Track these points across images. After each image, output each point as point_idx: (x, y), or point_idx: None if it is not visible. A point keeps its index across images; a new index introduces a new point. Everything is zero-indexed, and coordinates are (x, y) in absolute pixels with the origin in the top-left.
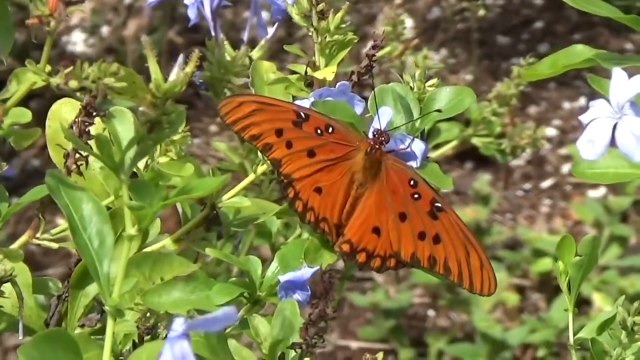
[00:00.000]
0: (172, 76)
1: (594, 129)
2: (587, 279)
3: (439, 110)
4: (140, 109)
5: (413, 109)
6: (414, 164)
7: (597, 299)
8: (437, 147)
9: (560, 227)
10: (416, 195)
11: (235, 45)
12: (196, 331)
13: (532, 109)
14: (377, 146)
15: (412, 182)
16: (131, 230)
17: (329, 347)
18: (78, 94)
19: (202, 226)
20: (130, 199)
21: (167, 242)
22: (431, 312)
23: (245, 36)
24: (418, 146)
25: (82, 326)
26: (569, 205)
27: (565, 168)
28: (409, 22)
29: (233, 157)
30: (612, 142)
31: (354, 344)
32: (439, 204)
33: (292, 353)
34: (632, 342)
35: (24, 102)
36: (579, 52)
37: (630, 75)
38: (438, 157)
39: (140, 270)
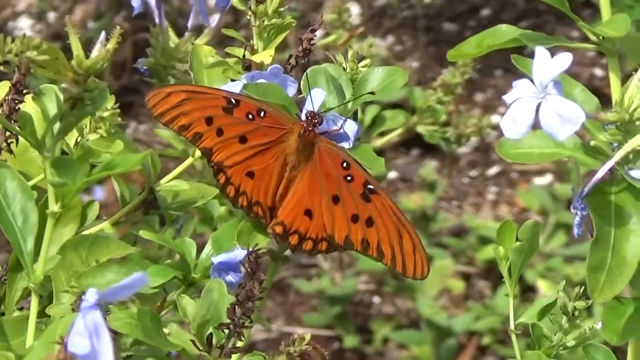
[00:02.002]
0: (94, 52)
1: (517, 109)
2: (532, 266)
3: (372, 92)
4: (63, 85)
5: (346, 90)
6: (346, 145)
7: (542, 286)
8: (382, 134)
9: (506, 214)
10: (349, 178)
11: (182, 33)
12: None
13: (479, 96)
14: (309, 128)
15: (344, 164)
16: (54, 206)
17: (275, 334)
18: (1, 68)
19: (140, 209)
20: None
21: (105, 226)
22: (376, 299)
23: (189, 23)
24: (350, 127)
25: (21, 309)
26: (515, 193)
27: None
28: (355, 9)
29: (176, 144)
30: (537, 123)
31: (300, 330)
32: (371, 186)
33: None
34: (572, 328)
35: None
36: (505, 32)
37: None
38: (383, 144)
39: (77, 252)
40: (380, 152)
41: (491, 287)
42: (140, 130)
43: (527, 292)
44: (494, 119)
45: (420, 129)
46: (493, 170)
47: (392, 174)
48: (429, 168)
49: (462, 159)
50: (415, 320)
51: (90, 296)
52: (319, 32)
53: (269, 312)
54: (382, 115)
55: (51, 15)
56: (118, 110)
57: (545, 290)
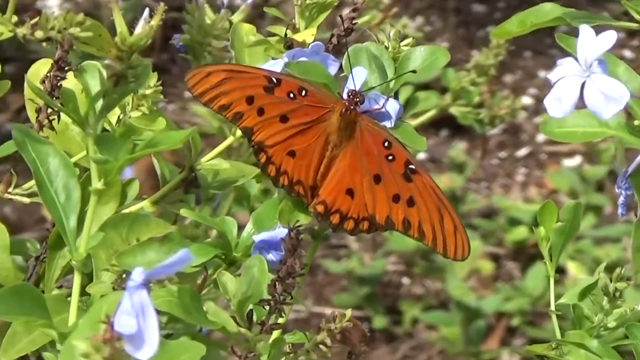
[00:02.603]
0: (138, 29)
1: (562, 87)
2: None
3: (413, 71)
4: (106, 62)
5: (387, 69)
6: (388, 124)
7: (572, 267)
8: (415, 116)
9: (535, 195)
10: (390, 157)
11: (216, 9)
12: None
13: (508, 78)
14: (351, 107)
15: (386, 144)
16: (97, 184)
17: (304, 314)
18: (45, 44)
19: (180, 188)
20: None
21: (145, 204)
22: (406, 280)
23: (225, 0)
24: (392, 106)
25: (60, 287)
26: (544, 174)
27: (541, 137)
28: None
29: (212, 121)
30: (582, 102)
31: (329, 311)
32: (413, 166)
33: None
34: (613, 308)
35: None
36: (548, 11)
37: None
38: (415, 126)
39: (117, 231)
40: None
41: (520, 269)
42: (169, 109)
43: (557, 273)
44: (524, 100)
45: (454, 110)
46: (522, 152)
47: (422, 155)
48: (458, 149)
49: (492, 140)
50: (445, 301)
51: (137, 275)
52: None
53: (299, 293)
54: (415, 96)
55: None
56: (160, 88)
57: (575, 272)
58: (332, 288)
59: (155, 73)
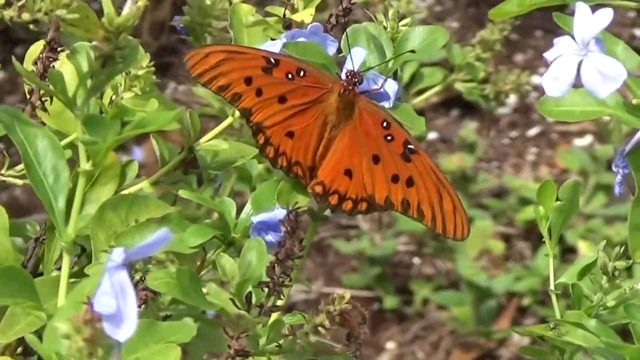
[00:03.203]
0: (125, 10)
1: (558, 66)
2: (572, 227)
3: (412, 51)
4: (93, 43)
5: (386, 49)
6: (386, 104)
7: (583, 247)
8: (421, 92)
9: (546, 175)
10: (389, 137)
11: None
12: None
13: (519, 57)
14: (350, 87)
15: (385, 124)
16: (86, 165)
17: (314, 295)
18: (32, 26)
19: (179, 169)
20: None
21: (144, 185)
22: (416, 260)
23: None
24: (391, 86)
25: (59, 269)
26: (555, 154)
27: None
28: None
29: (213, 102)
30: (580, 80)
31: (339, 291)
32: (411, 146)
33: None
34: (613, 288)
35: (9, 48)
36: None
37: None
38: (422, 102)
39: (116, 212)
40: (419, 112)
41: (531, 248)
42: (179, 90)
43: (567, 253)
44: (534, 79)
45: (459, 86)
46: (533, 131)
47: (432, 135)
48: (469, 129)
49: (502, 120)
50: (455, 281)
51: (117, 256)
52: None
53: (308, 273)
54: (420, 72)
55: None
56: (153, 69)
57: (586, 251)
58: (342, 268)
59: (148, 54)
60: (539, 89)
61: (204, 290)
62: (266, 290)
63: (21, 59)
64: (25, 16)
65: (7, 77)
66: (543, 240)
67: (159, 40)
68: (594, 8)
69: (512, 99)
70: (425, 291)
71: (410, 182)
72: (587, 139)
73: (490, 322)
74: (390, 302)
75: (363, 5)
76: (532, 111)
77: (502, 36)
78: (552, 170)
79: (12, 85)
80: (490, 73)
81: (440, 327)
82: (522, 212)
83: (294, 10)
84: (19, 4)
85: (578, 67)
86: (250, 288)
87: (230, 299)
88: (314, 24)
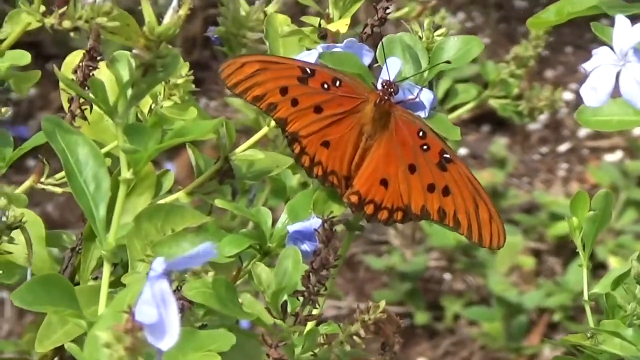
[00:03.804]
0: (166, 19)
1: (597, 77)
2: (602, 242)
3: (447, 61)
4: (134, 51)
5: (421, 59)
6: (422, 114)
7: (613, 262)
8: (454, 108)
9: (576, 191)
10: (425, 147)
11: (251, 1)
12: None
13: (549, 73)
14: (386, 97)
15: (421, 133)
16: (127, 173)
17: (345, 310)
18: (72, 34)
19: (215, 179)
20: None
21: (180, 195)
22: (447, 276)
23: None
24: (426, 96)
25: (96, 279)
26: (586, 169)
27: (582, 132)
28: None
29: (248, 112)
30: (618, 91)
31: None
32: (447, 155)
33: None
34: None
35: (41, 64)
36: (584, 0)
37: (634, 23)
38: (456, 118)
39: (152, 222)
40: None
41: (562, 264)
42: (211, 106)
43: (598, 268)
44: (565, 95)
45: (493, 102)
46: (564, 147)
47: (463, 150)
48: (500, 144)
49: (533, 136)
50: (486, 296)
51: (158, 265)
52: (392, 6)
53: (339, 289)
54: (455, 88)
55: None
56: (192, 77)
57: (617, 266)
58: (373, 284)
59: (187, 63)
60: (569, 105)
61: (239, 300)
62: (301, 299)
63: (51, 75)
64: (66, 24)
65: (39, 93)
66: (573, 255)
67: (191, 55)
68: (633, 19)
69: (543, 115)
70: (456, 307)
71: (446, 191)
72: (618, 155)
73: (521, 337)
74: (421, 317)
75: (396, 19)
76: (563, 127)
77: (536, 52)
78: (582, 185)
79: (43, 101)
80: (524, 89)
81: (471, 342)
82: (552, 227)
83: (330, 20)
84: (60, 11)
85: (616, 78)
86: (285, 297)
87: (266, 307)
88: (349, 38)
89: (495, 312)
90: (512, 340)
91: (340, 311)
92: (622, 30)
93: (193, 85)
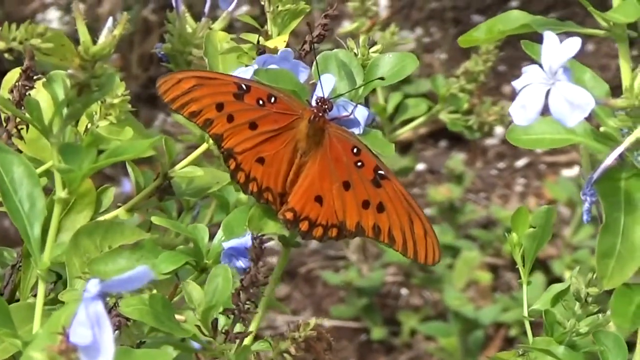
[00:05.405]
0: (101, 39)
1: (526, 95)
2: (559, 257)
3: (382, 78)
4: (69, 71)
5: (356, 76)
6: (357, 130)
7: (569, 278)
8: (405, 123)
9: (533, 206)
10: (359, 163)
11: (197, 18)
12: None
13: (507, 88)
14: (320, 114)
15: (355, 150)
16: (62, 193)
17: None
18: (6, 55)
19: (154, 196)
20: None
21: (120, 212)
22: (404, 291)
23: (206, 9)
24: (361, 113)
25: (36, 295)
26: (543, 185)
27: None
28: (383, 1)
29: (192, 128)
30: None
31: (327, 323)
32: (382, 172)
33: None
34: (585, 314)
35: None
36: (515, 18)
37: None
38: (409, 133)
39: (91, 239)
40: (407, 143)
41: (518, 279)
42: (169, 122)
43: (554, 283)
44: None
45: (443, 117)
46: (521, 162)
47: (420, 166)
48: (457, 160)
49: (490, 151)
50: (443, 312)
51: (92, 287)
52: (345, 21)
53: (296, 304)
54: (405, 103)
55: (80, 7)
56: (128, 97)
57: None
58: (330, 299)
59: (123, 82)
60: None
61: (182, 317)
62: (232, 317)
63: None
64: (0, 45)
65: None
66: (531, 271)
67: (148, 71)
68: (562, 37)
69: (500, 130)
70: (412, 322)
71: (381, 208)
72: (575, 170)
73: (478, 352)
74: (378, 333)
75: (348, 35)
76: (511, 143)
77: (487, 67)
78: (539, 201)
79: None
80: (475, 104)
81: (428, 357)
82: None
83: (268, 37)
84: None
85: (546, 96)
86: (218, 315)
87: (197, 325)
88: (285, 49)
89: (451, 327)
90: (468, 356)
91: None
92: (551, 48)
93: (129, 105)
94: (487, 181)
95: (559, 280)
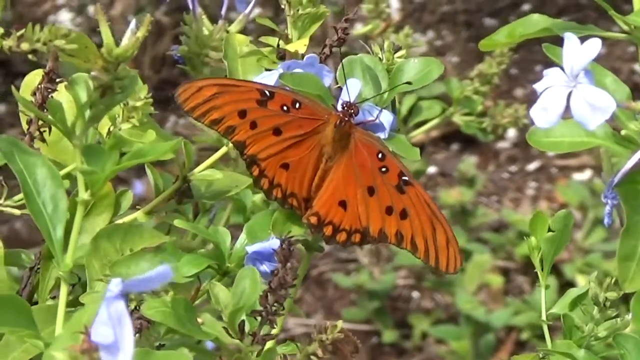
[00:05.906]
0: (124, 41)
1: (548, 97)
2: (571, 261)
3: (408, 83)
4: (92, 73)
5: (382, 80)
6: (382, 135)
7: (581, 281)
8: (419, 125)
9: (545, 209)
10: (384, 169)
11: (217, 21)
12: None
13: (519, 91)
14: (345, 119)
15: (380, 155)
16: (84, 194)
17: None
18: (30, 56)
19: (173, 199)
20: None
21: (138, 215)
22: (415, 294)
23: (223, 11)
24: (386, 117)
25: (54, 298)
26: (555, 188)
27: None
28: (395, 4)
29: (210, 132)
30: (569, 112)
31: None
32: (406, 178)
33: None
34: (604, 318)
35: (10, 81)
36: (536, 22)
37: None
38: (422, 135)
39: (110, 241)
40: (419, 145)
41: (530, 283)
42: (180, 124)
43: (566, 287)
44: None
45: (457, 119)
46: (533, 166)
47: (432, 169)
48: (469, 163)
49: (502, 154)
50: (454, 315)
51: (114, 286)
52: (358, 23)
53: (307, 307)
54: (419, 105)
55: (91, 9)
56: (151, 100)
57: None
58: (341, 302)
59: (146, 85)
60: None
61: (199, 320)
62: (259, 319)
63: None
64: (25, 46)
65: (8, 110)
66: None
67: (160, 73)
68: (584, 39)
69: (512, 133)
70: (424, 325)
71: (404, 215)
72: (587, 174)
73: (489, 356)
74: (389, 336)
75: (361, 37)
76: (532, 146)
77: (500, 70)
78: (551, 204)
79: (13, 118)
80: (489, 107)
81: None
82: (521, 246)
83: (288, 40)
84: (18, 34)
85: (567, 99)
86: (244, 317)
87: (224, 327)
88: (311, 55)
89: (463, 330)
90: (480, 359)
91: (309, 329)
92: (572, 50)
93: (152, 108)
94: (499, 184)
95: (570, 283)
